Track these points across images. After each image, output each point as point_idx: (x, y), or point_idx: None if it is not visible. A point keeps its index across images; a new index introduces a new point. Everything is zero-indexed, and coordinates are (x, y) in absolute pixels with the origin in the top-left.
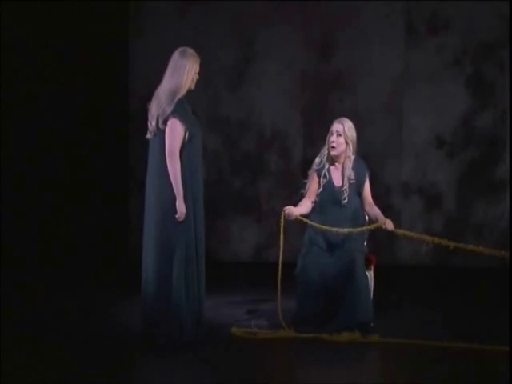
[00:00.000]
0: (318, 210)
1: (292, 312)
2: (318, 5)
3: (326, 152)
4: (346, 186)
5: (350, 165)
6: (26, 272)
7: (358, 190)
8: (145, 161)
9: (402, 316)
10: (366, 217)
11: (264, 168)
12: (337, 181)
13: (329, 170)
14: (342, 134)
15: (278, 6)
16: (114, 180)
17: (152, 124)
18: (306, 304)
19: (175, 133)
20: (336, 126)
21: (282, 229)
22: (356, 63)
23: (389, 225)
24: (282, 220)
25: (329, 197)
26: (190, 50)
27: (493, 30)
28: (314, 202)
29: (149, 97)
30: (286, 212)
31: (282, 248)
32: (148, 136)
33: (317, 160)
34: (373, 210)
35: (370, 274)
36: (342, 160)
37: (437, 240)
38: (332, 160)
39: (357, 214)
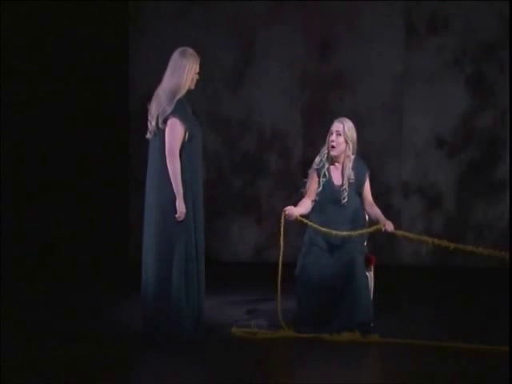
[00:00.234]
0: (318, 210)
1: (292, 312)
2: (318, 5)
3: (326, 151)
4: (346, 186)
5: (349, 164)
6: (26, 272)
7: (357, 189)
8: (145, 161)
9: (402, 316)
10: (367, 217)
11: (264, 168)
12: (336, 180)
13: (328, 170)
14: (342, 133)
15: (278, 6)
16: (114, 180)
17: (152, 124)
18: (306, 304)
19: (175, 132)
20: (336, 126)
21: (282, 229)
22: (356, 63)
23: (389, 226)
24: (282, 220)
25: (328, 196)
26: (190, 50)
27: (493, 30)
28: (314, 202)
29: (149, 97)
30: (287, 213)
31: (282, 248)
32: (148, 136)
33: (317, 159)
34: (373, 209)
35: (370, 274)
36: (341, 160)
37: (437, 241)
38: (332, 159)
39: (357, 214)
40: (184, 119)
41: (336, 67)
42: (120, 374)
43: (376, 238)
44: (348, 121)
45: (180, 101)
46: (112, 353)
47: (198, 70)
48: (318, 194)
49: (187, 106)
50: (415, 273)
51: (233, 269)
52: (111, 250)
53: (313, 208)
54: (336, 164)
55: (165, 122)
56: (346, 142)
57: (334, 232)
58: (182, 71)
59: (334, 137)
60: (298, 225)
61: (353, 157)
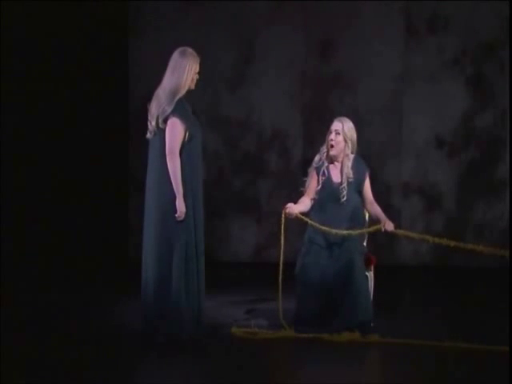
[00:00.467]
0: (317, 208)
1: (292, 312)
2: (318, 5)
3: (325, 150)
4: (345, 184)
5: (348, 163)
6: (26, 272)
7: (357, 188)
8: (145, 161)
9: (402, 316)
10: (367, 216)
11: (264, 168)
12: (335, 178)
13: (328, 168)
14: (341, 132)
15: (278, 6)
16: (114, 180)
17: (152, 124)
18: (306, 304)
19: (175, 132)
20: (335, 125)
21: (282, 227)
22: (356, 63)
23: (388, 226)
24: (282, 218)
25: (327, 194)
26: (190, 50)
27: (493, 30)
28: (313, 200)
29: (149, 97)
30: (287, 210)
31: (282, 246)
32: (148, 136)
33: (316, 158)
34: (374, 208)
35: (370, 274)
36: (341, 158)
37: (437, 239)
38: (331, 158)
39: (356, 213)
40: (184, 119)
41: (336, 67)
42: (120, 373)
43: (376, 238)
44: (347, 120)
45: (180, 101)
46: (112, 353)
47: (198, 70)
48: (317, 193)
49: (187, 106)
50: (415, 273)
51: (233, 269)
52: (111, 250)
53: (312, 206)
54: (335, 163)
55: (165, 121)
56: (345, 140)
57: (334, 231)
58: (182, 71)
59: (333, 136)
60: (298, 224)
61: (352, 156)
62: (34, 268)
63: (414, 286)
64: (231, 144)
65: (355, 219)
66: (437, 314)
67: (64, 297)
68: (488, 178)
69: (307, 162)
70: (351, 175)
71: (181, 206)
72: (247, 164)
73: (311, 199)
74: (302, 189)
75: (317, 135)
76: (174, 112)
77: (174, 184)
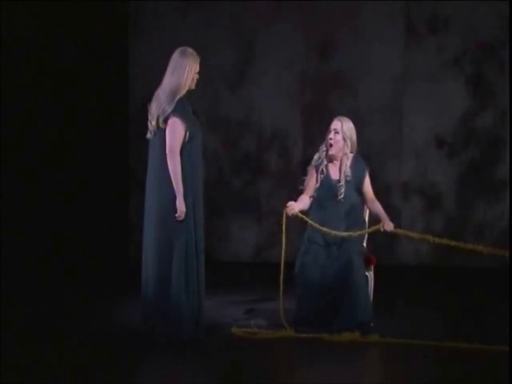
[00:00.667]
0: (316, 207)
1: (292, 312)
2: (318, 5)
3: (325, 149)
4: (343, 182)
5: (347, 162)
6: (26, 272)
7: (356, 186)
8: (145, 161)
9: (402, 316)
10: (367, 214)
11: (264, 168)
12: (334, 176)
13: (326, 167)
14: (340, 131)
15: (278, 6)
16: (114, 180)
17: (152, 124)
18: (306, 304)
19: (176, 131)
20: (334, 124)
21: (284, 226)
22: (356, 63)
23: (388, 226)
24: (284, 217)
25: (325, 192)
26: (190, 50)
27: (493, 30)
28: (312, 198)
29: (149, 97)
30: (288, 209)
31: (284, 245)
32: (148, 136)
33: (315, 156)
34: (374, 206)
35: (370, 274)
36: (339, 157)
37: (437, 239)
38: (330, 157)
39: (355, 211)
40: (184, 119)
41: (336, 67)
42: (120, 373)
43: (376, 238)
44: (347, 120)
45: (180, 100)
46: (112, 353)
47: (198, 70)
48: (315, 190)
49: (187, 106)
50: (415, 273)
51: (233, 269)
52: (111, 250)
53: (311, 205)
54: (334, 161)
55: (165, 121)
56: (344, 140)
57: (333, 232)
58: (182, 71)
59: (332, 135)
60: (298, 223)
61: (351, 155)
62: (34, 268)
63: (413, 286)
64: (231, 144)
65: (354, 217)
66: (437, 313)
67: (64, 297)
68: (488, 178)
69: (307, 162)
70: (349, 174)
71: (181, 205)
72: (247, 164)
73: (310, 197)
74: (301, 187)
75: (317, 135)
76: (175, 112)
77: (174, 183)
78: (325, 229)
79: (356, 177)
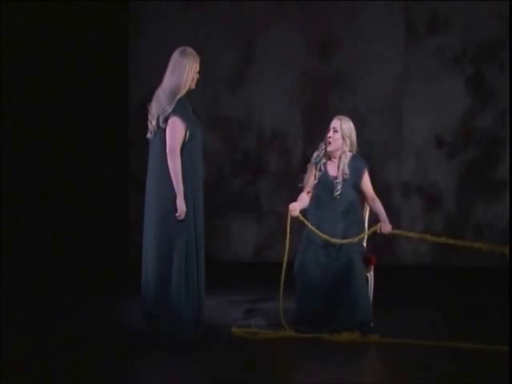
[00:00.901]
0: (314, 205)
1: (292, 312)
2: (318, 5)
3: (324, 147)
4: (340, 179)
5: (345, 160)
6: (26, 272)
7: (353, 184)
8: (145, 161)
9: (401, 316)
10: (367, 214)
11: (264, 168)
12: (331, 172)
13: (325, 164)
14: (339, 130)
15: (278, 6)
16: (114, 180)
17: (152, 123)
18: (306, 303)
19: (176, 131)
20: (333, 123)
21: (288, 227)
22: (356, 63)
23: (385, 228)
24: (288, 219)
25: (323, 188)
26: (190, 50)
27: (493, 30)
28: (311, 194)
29: (149, 97)
30: (292, 210)
31: (287, 246)
32: (148, 136)
33: (315, 154)
34: (374, 205)
35: (370, 274)
36: (338, 155)
37: (436, 238)
38: (329, 155)
39: (353, 209)
40: (185, 118)
41: (336, 67)
42: (120, 373)
43: (376, 238)
44: (347, 119)
45: (181, 100)
46: (112, 353)
47: (198, 69)
48: (313, 187)
49: (188, 106)
50: (415, 272)
51: (233, 269)
52: (111, 250)
53: (309, 203)
54: (333, 159)
55: (166, 121)
56: (343, 138)
57: (333, 240)
58: (182, 70)
59: (331, 133)
60: (298, 223)
61: (350, 154)
62: (34, 268)
63: (413, 286)
64: (231, 144)
65: (352, 216)
66: (437, 313)
67: (64, 297)
68: (488, 178)
69: (307, 162)
70: (347, 171)
71: (181, 205)
72: (247, 164)
73: (308, 192)
74: (300, 185)
75: (317, 135)
76: (175, 111)
77: (174, 183)
78: (324, 235)
79: (354, 175)
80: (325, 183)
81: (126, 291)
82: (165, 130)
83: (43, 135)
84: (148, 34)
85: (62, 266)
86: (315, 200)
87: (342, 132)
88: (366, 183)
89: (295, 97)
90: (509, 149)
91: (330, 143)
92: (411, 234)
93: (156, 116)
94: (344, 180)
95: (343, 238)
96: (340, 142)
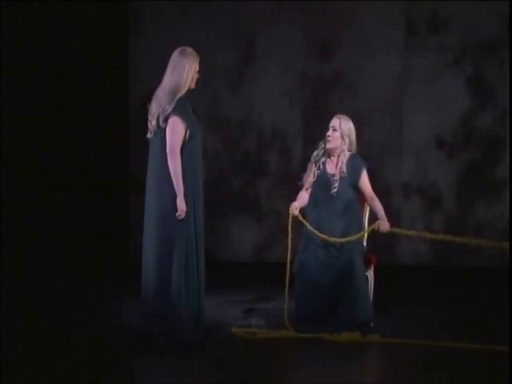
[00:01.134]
0: (312, 203)
1: (292, 312)
2: (318, 5)
3: (323, 145)
4: (337, 177)
5: (343, 159)
6: (26, 272)
7: (351, 183)
8: (145, 161)
9: (402, 316)
10: (366, 214)
11: (264, 168)
12: (330, 170)
13: (324, 162)
14: (338, 128)
15: (278, 6)
16: (115, 180)
17: (152, 123)
18: (306, 303)
19: (176, 131)
20: (333, 122)
21: (290, 228)
22: (356, 63)
23: (383, 226)
24: (290, 220)
25: (320, 186)
26: (190, 49)
27: (493, 30)
28: (309, 192)
29: (149, 97)
30: (293, 210)
31: (290, 246)
32: (148, 135)
33: (314, 153)
34: (373, 204)
35: (370, 274)
36: (337, 153)
37: (434, 236)
38: (328, 154)
39: (351, 208)
40: (185, 118)
41: (336, 67)
42: (120, 374)
43: (376, 238)
44: (346, 118)
45: (181, 100)
46: (112, 353)
47: (197, 69)
48: (312, 185)
49: (188, 105)
50: (415, 273)
51: (233, 269)
52: (111, 251)
53: (308, 201)
54: (332, 158)
55: (166, 120)
56: (342, 137)
57: (332, 239)
58: (182, 70)
59: (330, 132)
60: (298, 223)
61: (348, 153)
62: (34, 268)
63: (414, 285)
64: (231, 144)
65: (351, 215)
66: (436, 313)
67: (64, 297)
68: (488, 178)
69: (307, 162)
70: (345, 170)
71: (181, 204)
72: (247, 164)
73: (306, 189)
74: (299, 183)
75: (317, 135)
76: (175, 111)
77: (174, 183)
78: (323, 235)
79: (351, 173)
80: (323, 181)
81: (125, 291)
82: (165, 130)
83: (43, 135)
84: (148, 34)
85: (62, 266)
86: (313, 198)
87: (341, 131)
88: (365, 182)
89: (295, 97)
90: (509, 149)
91: (329, 141)
92: (409, 232)
93: (156, 116)
94: (341, 178)
95: (343, 237)
96: (339, 140)
